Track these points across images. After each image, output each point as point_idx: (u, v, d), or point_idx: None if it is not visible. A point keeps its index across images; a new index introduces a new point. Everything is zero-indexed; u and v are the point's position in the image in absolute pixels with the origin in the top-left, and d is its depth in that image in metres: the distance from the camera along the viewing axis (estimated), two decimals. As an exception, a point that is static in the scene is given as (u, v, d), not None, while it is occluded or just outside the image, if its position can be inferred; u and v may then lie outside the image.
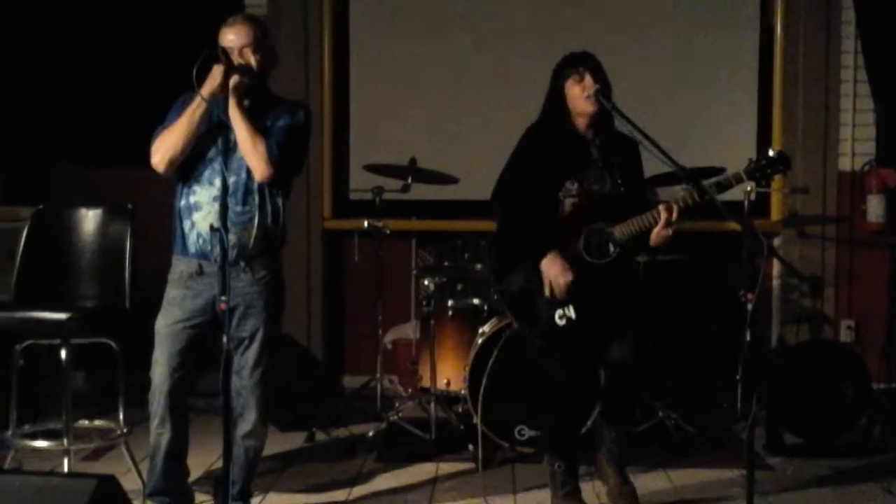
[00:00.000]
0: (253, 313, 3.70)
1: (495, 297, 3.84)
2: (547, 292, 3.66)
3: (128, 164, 5.52)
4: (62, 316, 3.92)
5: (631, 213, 3.64)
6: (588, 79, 3.70)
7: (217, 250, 3.49)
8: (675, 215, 3.58)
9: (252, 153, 3.58)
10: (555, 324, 3.67)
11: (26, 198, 4.91)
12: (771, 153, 3.70)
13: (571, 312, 3.65)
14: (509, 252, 3.81)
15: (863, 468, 4.56)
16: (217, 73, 3.48)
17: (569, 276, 3.65)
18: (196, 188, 3.66)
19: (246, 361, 3.73)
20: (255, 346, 3.72)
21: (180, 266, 3.73)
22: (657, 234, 3.60)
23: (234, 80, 3.51)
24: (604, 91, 3.69)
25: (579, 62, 3.75)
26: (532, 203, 3.73)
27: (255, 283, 3.69)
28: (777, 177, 5.43)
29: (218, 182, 3.53)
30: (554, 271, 3.67)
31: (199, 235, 3.65)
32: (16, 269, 4.25)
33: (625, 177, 3.75)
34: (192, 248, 3.68)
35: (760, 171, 3.67)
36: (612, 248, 3.65)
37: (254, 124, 3.59)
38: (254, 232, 3.65)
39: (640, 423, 4.88)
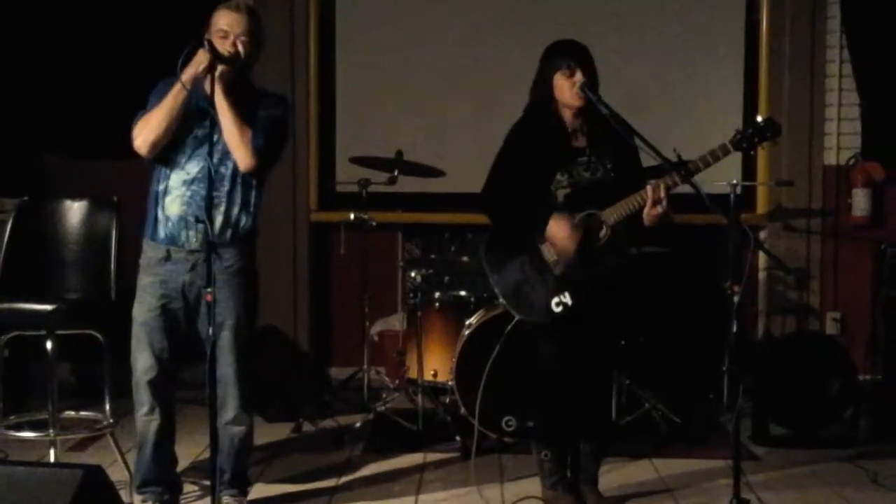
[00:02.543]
0: (221, 301, 3.64)
1: (494, 290, 3.78)
2: (554, 257, 3.64)
3: (113, 156, 5.51)
4: (47, 307, 3.91)
5: (623, 197, 3.62)
6: (578, 74, 3.66)
7: (185, 236, 3.58)
8: (661, 192, 3.53)
9: (238, 143, 3.58)
10: (552, 312, 3.66)
11: (11, 189, 4.89)
12: (759, 119, 3.62)
13: (568, 299, 3.62)
14: (503, 244, 3.78)
15: (849, 458, 4.58)
16: (202, 57, 3.45)
17: (577, 237, 3.61)
18: (168, 173, 3.67)
19: (220, 350, 3.69)
20: (227, 333, 3.71)
21: (150, 251, 3.73)
22: (648, 213, 3.57)
23: (220, 69, 3.49)
24: (590, 83, 3.67)
25: (570, 55, 3.71)
26: (524, 196, 3.71)
27: (222, 272, 3.65)
28: (764, 168, 5.56)
29: (190, 168, 3.55)
30: (562, 234, 3.62)
31: (167, 219, 3.66)
32: (0, 260, 4.23)
33: (615, 163, 3.72)
34: (161, 234, 3.69)
35: (748, 140, 3.59)
36: (602, 233, 3.63)
37: (240, 114, 3.58)
38: (220, 218, 3.65)
39: (627, 414, 4.90)
